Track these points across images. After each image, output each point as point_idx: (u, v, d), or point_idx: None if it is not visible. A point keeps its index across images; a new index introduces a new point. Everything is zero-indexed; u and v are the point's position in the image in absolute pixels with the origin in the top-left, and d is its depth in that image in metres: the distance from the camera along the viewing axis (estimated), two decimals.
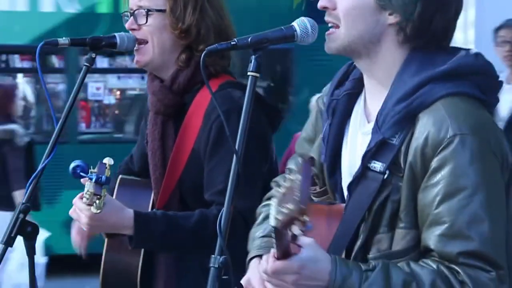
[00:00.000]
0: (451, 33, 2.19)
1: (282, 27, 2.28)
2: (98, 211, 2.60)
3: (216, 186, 2.75)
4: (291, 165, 2.49)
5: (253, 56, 2.22)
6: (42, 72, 2.91)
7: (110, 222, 2.71)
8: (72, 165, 2.60)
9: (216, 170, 2.76)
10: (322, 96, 2.41)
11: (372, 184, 2.11)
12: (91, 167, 2.61)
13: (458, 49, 2.18)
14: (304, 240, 2.04)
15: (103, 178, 2.56)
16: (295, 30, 2.27)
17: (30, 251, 2.58)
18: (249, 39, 2.23)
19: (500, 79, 2.18)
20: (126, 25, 2.91)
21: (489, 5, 14.55)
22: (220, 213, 2.11)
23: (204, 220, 2.75)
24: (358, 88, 2.27)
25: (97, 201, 2.59)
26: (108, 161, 2.61)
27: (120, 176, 3.06)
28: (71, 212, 2.73)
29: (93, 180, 2.56)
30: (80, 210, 2.67)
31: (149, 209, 2.92)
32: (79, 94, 2.75)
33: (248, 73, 2.23)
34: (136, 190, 2.99)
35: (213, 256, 2.08)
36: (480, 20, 14.62)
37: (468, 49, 2.18)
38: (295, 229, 1.94)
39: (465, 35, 15.70)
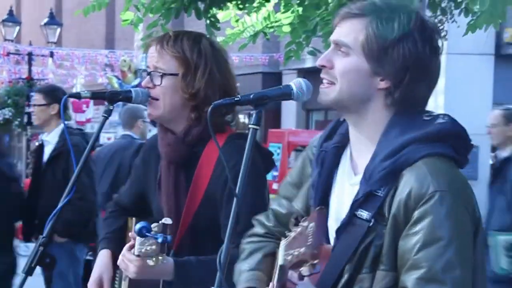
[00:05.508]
0: (428, 100, 2.39)
1: (281, 86, 2.46)
2: (154, 264, 2.79)
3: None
4: (274, 205, 2.63)
5: (255, 111, 2.39)
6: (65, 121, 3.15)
7: (154, 271, 2.89)
8: (138, 226, 2.76)
9: None
10: (311, 147, 2.57)
11: (358, 230, 2.27)
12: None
13: (434, 114, 2.36)
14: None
15: (168, 239, 2.76)
16: (292, 89, 2.43)
17: (48, 280, 2.86)
18: (251, 96, 2.40)
19: (471, 142, 2.36)
20: (143, 83, 3.14)
21: (457, 74, 15.12)
22: (220, 250, 2.25)
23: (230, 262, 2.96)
24: (344, 142, 2.45)
25: (159, 258, 2.77)
26: (169, 221, 2.80)
27: (134, 219, 3.25)
28: (119, 262, 2.95)
29: (159, 240, 2.75)
30: (130, 261, 2.88)
31: None
32: None
33: (249, 126, 2.39)
34: None
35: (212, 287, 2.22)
36: (449, 88, 15.11)
37: (444, 115, 2.35)
38: (305, 271, 2.15)
39: (435, 100, 16.13)
